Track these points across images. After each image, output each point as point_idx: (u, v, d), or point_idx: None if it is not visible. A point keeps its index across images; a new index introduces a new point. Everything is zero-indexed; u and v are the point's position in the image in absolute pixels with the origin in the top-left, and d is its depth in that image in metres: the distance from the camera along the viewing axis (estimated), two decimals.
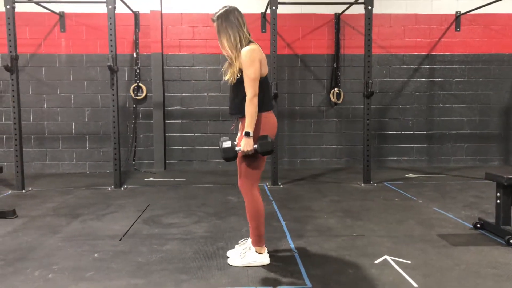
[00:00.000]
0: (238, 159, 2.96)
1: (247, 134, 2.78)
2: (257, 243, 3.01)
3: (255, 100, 2.78)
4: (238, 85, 2.85)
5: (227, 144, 2.86)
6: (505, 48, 7.40)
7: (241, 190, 3.01)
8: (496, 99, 7.49)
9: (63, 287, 2.67)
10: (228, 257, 3.11)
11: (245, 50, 2.77)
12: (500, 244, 3.41)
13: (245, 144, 2.79)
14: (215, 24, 2.89)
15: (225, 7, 2.89)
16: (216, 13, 2.89)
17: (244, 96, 2.80)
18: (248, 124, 2.78)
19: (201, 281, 2.75)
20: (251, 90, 2.76)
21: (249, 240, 3.12)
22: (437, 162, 7.52)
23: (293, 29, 7.24)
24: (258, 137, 2.84)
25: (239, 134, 2.98)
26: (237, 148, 2.84)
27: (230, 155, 2.86)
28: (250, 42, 2.85)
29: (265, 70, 2.88)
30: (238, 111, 2.91)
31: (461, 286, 2.66)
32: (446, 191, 5.37)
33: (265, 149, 2.80)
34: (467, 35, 7.38)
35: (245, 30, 2.85)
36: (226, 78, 2.92)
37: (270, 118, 2.93)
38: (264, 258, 3.02)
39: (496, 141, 7.56)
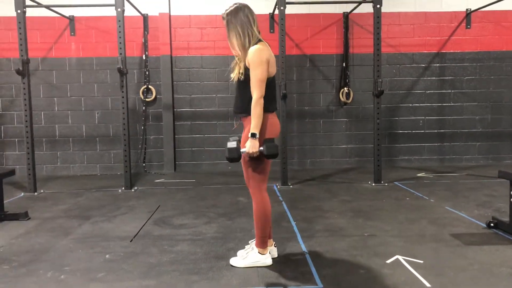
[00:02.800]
0: (242, 161, 2.91)
1: (253, 135, 2.71)
2: (261, 244, 2.99)
3: (262, 101, 2.72)
4: (244, 84, 2.80)
5: (232, 144, 2.79)
6: None
7: (250, 191, 2.99)
8: (508, 96, 7.39)
9: None
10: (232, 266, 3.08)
11: (253, 50, 2.72)
12: None
13: (250, 146, 2.72)
14: (224, 21, 2.85)
15: (236, 4, 2.85)
16: (226, 10, 2.85)
17: (250, 96, 2.76)
18: (254, 125, 2.71)
19: (212, 282, 2.75)
20: (258, 91, 2.71)
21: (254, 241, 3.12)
22: (449, 161, 7.44)
23: (301, 29, 7.22)
24: (264, 140, 2.78)
25: (243, 134, 2.93)
26: (242, 150, 2.78)
27: (234, 155, 2.78)
28: (259, 40, 2.80)
29: (273, 70, 2.83)
30: (242, 110, 2.87)
31: (475, 285, 2.63)
32: (458, 190, 5.31)
33: (271, 152, 2.74)
34: (478, 33, 7.29)
35: (255, 28, 2.80)
36: (232, 76, 2.89)
37: (274, 119, 2.90)
38: (266, 259, 2.99)
39: (509, 139, 7.45)
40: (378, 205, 4.68)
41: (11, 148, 7.14)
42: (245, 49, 2.78)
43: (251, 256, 2.99)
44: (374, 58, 5.62)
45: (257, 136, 2.72)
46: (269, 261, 3.00)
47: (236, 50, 2.84)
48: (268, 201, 2.96)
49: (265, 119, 2.80)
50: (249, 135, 2.73)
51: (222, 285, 2.70)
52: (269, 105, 2.82)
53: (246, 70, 2.77)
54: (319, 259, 3.11)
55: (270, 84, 2.83)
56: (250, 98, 2.75)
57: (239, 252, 3.15)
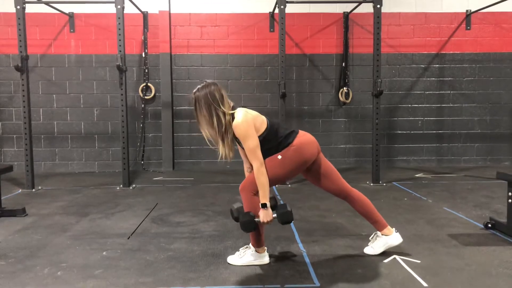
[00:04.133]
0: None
1: (263, 206, 2.74)
2: (257, 244, 2.98)
3: (263, 170, 2.74)
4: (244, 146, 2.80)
5: (245, 217, 2.78)
6: None
7: (241, 194, 2.95)
8: (507, 98, 7.40)
9: (71, 285, 2.68)
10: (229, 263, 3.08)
11: (237, 124, 2.72)
12: None
13: (263, 216, 2.76)
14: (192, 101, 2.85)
15: (203, 83, 2.85)
16: (194, 91, 2.85)
17: (268, 147, 2.80)
18: (262, 195, 2.74)
19: (209, 279, 2.74)
20: (255, 160, 2.73)
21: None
22: (447, 162, 7.45)
23: (301, 29, 7.22)
24: (277, 207, 2.82)
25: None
26: (256, 220, 2.80)
27: (252, 227, 2.81)
28: (233, 112, 2.79)
29: (264, 125, 2.82)
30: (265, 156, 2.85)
31: (472, 286, 2.63)
32: (456, 191, 5.31)
33: (285, 219, 2.79)
34: (477, 34, 7.30)
35: (224, 106, 2.78)
36: (225, 156, 2.86)
37: (304, 137, 2.90)
38: (263, 258, 3.00)
39: (507, 140, 7.46)
40: (376, 205, 4.60)
41: (9, 144, 7.13)
42: (214, 129, 2.77)
43: (248, 255, 2.99)
44: (373, 58, 5.62)
45: (268, 205, 2.75)
46: (266, 260, 3.00)
47: (205, 133, 2.83)
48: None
49: (285, 152, 2.82)
50: (260, 205, 2.75)
51: (219, 283, 2.70)
52: (279, 145, 2.83)
53: (237, 139, 2.81)
54: (316, 258, 3.11)
55: (268, 132, 2.82)
56: (274, 143, 2.82)
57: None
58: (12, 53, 6.91)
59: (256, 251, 2.99)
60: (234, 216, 2.91)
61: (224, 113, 2.76)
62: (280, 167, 2.84)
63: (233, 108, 2.84)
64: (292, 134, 2.92)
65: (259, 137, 2.80)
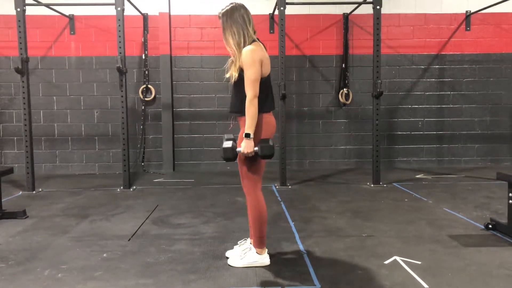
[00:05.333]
0: (238, 161, 2.93)
1: (247, 135, 2.74)
2: (259, 244, 2.98)
3: (255, 101, 2.74)
4: (239, 84, 2.83)
5: (227, 144, 2.81)
6: None
7: (244, 191, 2.99)
8: (507, 98, 7.40)
9: (72, 287, 2.69)
10: (227, 258, 3.10)
11: (246, 50, 2.75)
12: None
13: (245, 146, 2.75)
14: (220, 20, 2.88)
15: (232, 3, 2.88)
16: (222, 9, 2.88)
17: (244, 95, 2.77)
18: (248, 125, 2.74)
19: (210, 281, 2.74)
20: (251, 91, 2.73)
21: (248, 240, 3.13)
22: (448, 162, 7.44)
23: (301, 30, 7.22)
24: (259, 140, 2.81)
25: (239, 134, 2.94)
26: (237, 149, 2.80)
27: (230, 155, 2.80)
28: (254, 41, 2.83)
29: (267, 70, 2.84)
30: (237, 110, 2.89)
31: (473, 287, 2.62)
32: (456, 192, 5.31)
33: (266, 152, 2.76)
34: (477, 35, 7.30)
35: (250, 29, 2.83)
36: (227, 75, 2.90)
37: (270, 119, 2.91)
38: (264, 259, 2.99)
39: (507, 141, 7.45)
40: (376, 206, 4.68)
41: (10, 146, 7.14)
42: (240, 48, 2.80)
43: (249, 256, 2.98)
44: (373, 59, 5.62)
45: (251, 136, 2.74)
46: (267, 261, 2.99)
47: (232, 49, 2.85)
48: (262, 201, 2.96)
49: (260, 119, 2.82)
50: (244, 135, 2.75)
51: (220, 285, 2.70)
52: (263, 105, 2.84)
53: (241, 70, 2.79)
54: (317, 259, 3.11)
55: (264, 84, 2.84)
56: (245, 98, 2.77)
57: (228, 253, 3.16)
58: (12, 55, 6.92)
59: (257, 252, 2.99)
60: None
61: (248, 34, 2.81)
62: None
63: (254, 40, 2.85)
64: (272, 107, 2.94)
65: None
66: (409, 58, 7.32)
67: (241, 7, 2.86)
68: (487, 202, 4.77)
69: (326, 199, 5.05)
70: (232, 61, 2.88)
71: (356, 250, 3.27)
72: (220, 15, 2.88)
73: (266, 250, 3.04)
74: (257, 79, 2.75)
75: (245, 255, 3.00)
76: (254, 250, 2.99)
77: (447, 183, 5.88)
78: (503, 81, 7.37)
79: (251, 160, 2.86)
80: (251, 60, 2.72)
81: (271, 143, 2.79)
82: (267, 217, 3.02)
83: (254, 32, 2.88)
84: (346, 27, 7.20)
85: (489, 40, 7.31)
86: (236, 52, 2.82)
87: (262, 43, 2.89)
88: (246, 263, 2.97)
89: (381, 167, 5.86)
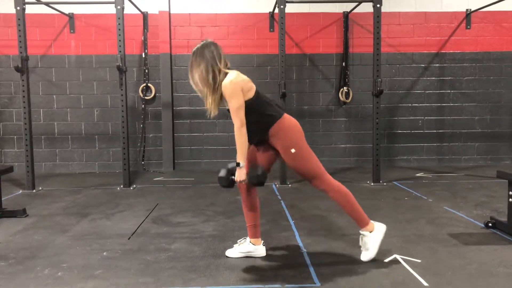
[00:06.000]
0: (289, 166, 3.02)
1: (238, 165, 2.81)
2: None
3: (244, 130, 2.80)
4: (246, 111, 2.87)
5: (222, 173, 2.93)
6: None
7: (322, 190, 3.07)
8: (508, 97, 7.39)
9: (72, 285, 2.69)
10: (227, 257, 3.14)
11: (226, 83, 2.79)
12: None
13: (237, 175, 2.84)
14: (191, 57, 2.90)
15: (203, 41, 2.90)
16: (193, 48, 2.92)
17: (253, 118, 2.84)
18: (239, 155, 2.81)
19: (210, 280, 2.74)
20: (237, 119, 2.79)
21: (248, 239, 3.17)
22: (448, 161, 7.44)
23: (301, 28, 7.21)
24: (249, 168, 2.88)
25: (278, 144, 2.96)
26: (232, 177, 2.89)
27: (224, 183, 2.93)
28: (227, 72, 2.85)
29: (251, 93, 2.86)
30: (260, 136, 2.94)
31: (473, 285, 2.62)
32: (457, 190, 5.30)
33: (253, 181, 2.85)
34: (477, 33, 7.29)
35: (221, 64, 2.84)
36: (208, 108, 2.90)
37: (290, 120, 2.95)
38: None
39: (508, 140, 7.45)
40: (376, 205, 4.68)
41: (10, 145, 7.13)
42: (209, 85, 2.83)
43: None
44: (373, 58, 5.62)
45: (242, 164, 2.81)
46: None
47: (198, 86, 2.88)
48: (340, 185, 3.10)
49: (282, 125, 2.89)
50: (235, 165, 2.83)
51: (220, 283, 2.70)
52: (272, 115, 2.88)
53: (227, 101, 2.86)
54: (317, 257, 3.11)
55: (257, 100, 2.87)
56: (254, 118, 2.85)
57: (228, 252, 3.19)
58: (12, 54, 6.91)
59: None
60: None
61: (219, 71, 2.83)
62: (302, 147, 2.98)
63: (229, 68, 2.89)
64: (282, 111, 2.98)
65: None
66: (409, 57, 7.31)
67: (211, 44, 2.87)
68: (487, 200, 4.77)
69: (326, 197, 4.97)
70: (210, 99, 2.88)
71: (356, 249, 3.27)
72: (192, 53, 2.90)
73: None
74: (241, 107, 2.80)
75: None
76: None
77: (447, 182, 5.87)
78: (504, 79, 7.36)
79: (298, 159, 2.95)
80: (232, 91, 2.77)
81: (260, 171, 2.84)
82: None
83: (226, 65, 2.88)
84: (346, 25, 7.19)
85: (489, 38, 7.30)
86: (202, 88, 2.86)
87: (236, 71, 2.88)
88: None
89: (381, 166, 5.86)
